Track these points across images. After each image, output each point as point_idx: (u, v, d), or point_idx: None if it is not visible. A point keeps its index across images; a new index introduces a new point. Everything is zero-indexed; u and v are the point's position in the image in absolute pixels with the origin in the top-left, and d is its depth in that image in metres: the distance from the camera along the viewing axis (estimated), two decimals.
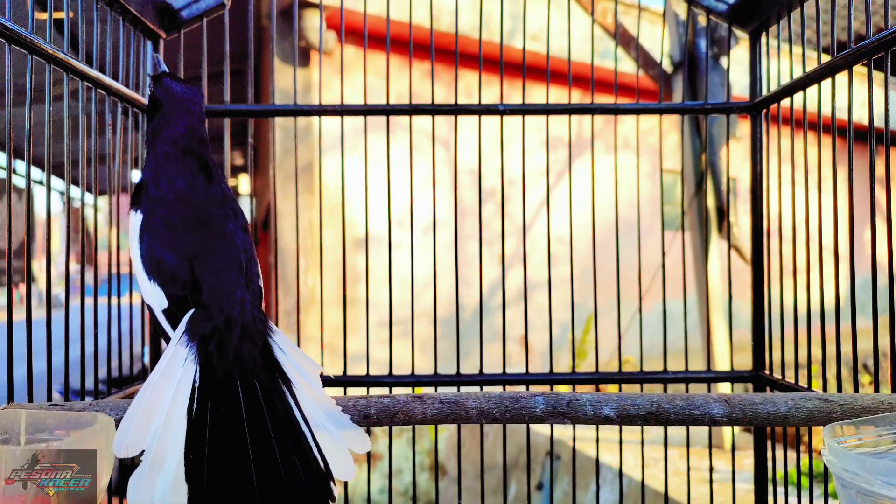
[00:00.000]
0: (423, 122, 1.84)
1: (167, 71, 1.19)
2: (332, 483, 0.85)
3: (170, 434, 0.84)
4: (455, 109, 1.76)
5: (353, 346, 1.74)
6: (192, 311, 0.97)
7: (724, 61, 4.11)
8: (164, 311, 1.01)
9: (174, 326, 0.99)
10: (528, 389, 1.68)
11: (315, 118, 1.84)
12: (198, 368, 0.89)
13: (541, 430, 4.08)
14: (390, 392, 1.30)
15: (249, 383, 0.88)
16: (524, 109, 1.75)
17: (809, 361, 1.48)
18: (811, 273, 1.46)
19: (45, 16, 1.19)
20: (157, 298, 1.02)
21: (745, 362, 1.86)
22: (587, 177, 1.76)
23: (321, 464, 0.85)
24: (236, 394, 0.87)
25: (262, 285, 1.13)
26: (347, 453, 0.89)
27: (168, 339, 1.00)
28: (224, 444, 0.83)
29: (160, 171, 1.10)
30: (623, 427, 1.72)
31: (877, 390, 1.24)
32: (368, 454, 1.62)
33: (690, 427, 1.30)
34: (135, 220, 1.09)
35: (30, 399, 1.08)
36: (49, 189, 1.17)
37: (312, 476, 0.84)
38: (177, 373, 0.90)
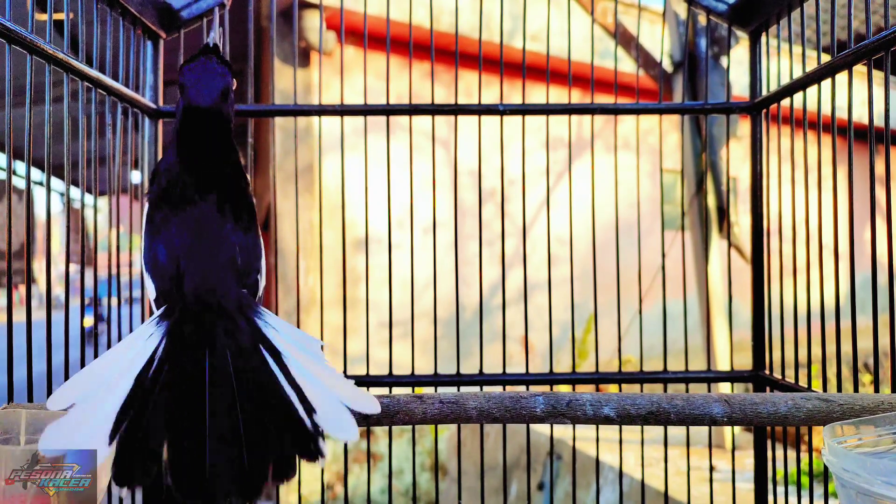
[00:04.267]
0: (423, 122, 1.84)
1: (210, 45, 1.14)
2: (320, 440, 0.78)
3: (110, 395, 0.77)
4: (455, 109, 1.76)
5: (354, 346, 1.74)
6: (171, 299, 0.95)
7: (724, 61, 4.10)
8: (154, 301, 1.02)
9: None
10: (528, 389, 1.68)
11: (315, 118, 1.84)
12: (163, 339, 0.84)
13: (541, 429, 4.08)
14: (390, 392, 1.30)
15: (220, 353, 0.82)
16: (524, 109, 1.75)
17: (809, 361, 1.48)
18: (811, 272, 1.46)
19: (45, 16, 1.19)
20: (150, 290, 1.03)
21: (745, 362, 1.86)
22: (587, 177, 1.76)
23: (306, 423, 0.78)
24: (201, 359, 0.80)
25: (264, 281, 1.11)
26: (348, 414, 0.81)
27: None
28: (174, 408, 0.76)
29: (170, 163, 1.10)
30: (623, 427, 1.72)
31: (877, 390, 1.24)
32: (368, 454, 1.63)
33: (690, 427, 1.30)
34: (146, 207, 1.09)
35: (30, 399, 1.08)
36: (49, 190, 1.17)
37: (291, 435, 0.77)
38: (137, 345, 0.85)
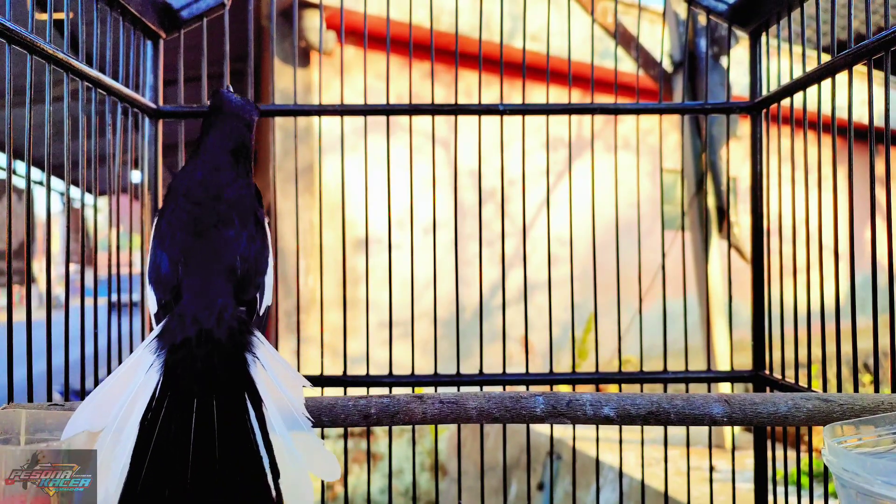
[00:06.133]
0: (423, 122, 1.84)
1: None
2: None
3: (119, 442, 0.82)
4: (455, 109, 1.76)
5: (354, 346, 1.74)
6: (168, 317, 0.96)
7: (724, 61, 4.10)
8: (155, 315, 1.01)
9: None
10: (528, 389, 1.68)
11: (315, 118, 1.84)
12: (160, 379, 0.87)
13: (541, 430, 4.08)
14: (390, 392, 1.30)
15: (207, 402, 0.85)
16: (524, 109, 1.75)
17: (809, 361, 1.48)
18: (811, 272, 1.46)
19: (45, 16, 1.19)
20: (151, 302, 1.02)
21: (745, 362, 1.86)
22: (587, 177, 1.76)
23: (272, 492, 0.82)
24: (190, 411, 0.83)
25: (270, 299, 1.10)
26: (309, 483, 0.85)
27: None
28: (164, 461, 0.80)
29: (184, 170, 1.10)
30: (623, 427, 1.72)
31: (877, 390, 1.24)
32: (368, 454, 1.63)
33: (690, 427, 1.30)
34: (156, 221, 1.11)
35: (30, 399, 1.08)
36: (49, 190, 1.17)
37: None
38: (138, 378, 0.88)
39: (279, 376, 0.92)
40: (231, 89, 1.31)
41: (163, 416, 0.83)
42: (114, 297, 1.47)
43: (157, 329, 0.95)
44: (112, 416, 0.84)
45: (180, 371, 0.88)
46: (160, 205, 1.63)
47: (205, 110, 1.27)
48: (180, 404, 0.84)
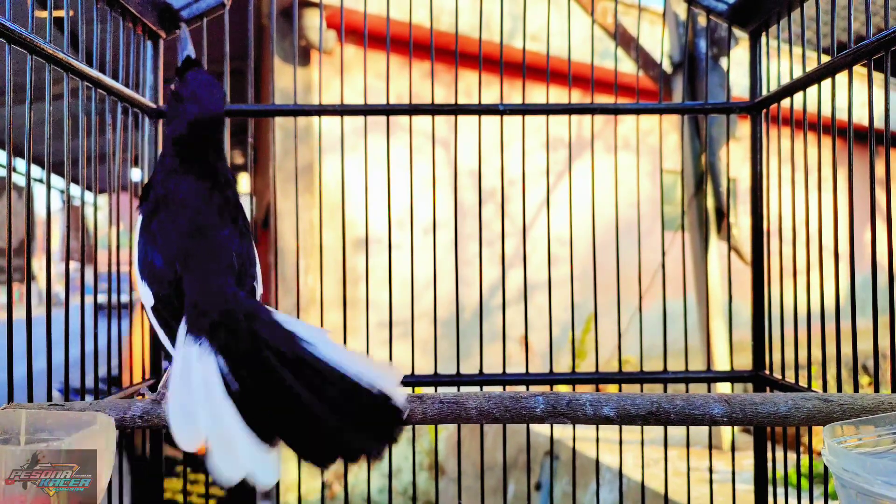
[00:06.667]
0: (423, 122, 1.84)
1: (192, 57, 1.18)
2: (393, 402, 0.85)
3: (223, 420, 0.83)
4: (455, 109, 1.76)
5: (354, 346, 1.74)
6: (185, 314, 0.96)
7: (723, 62, 4.10)
8: (152, 309, 1.02)
9: (161, 323, 1.02)
10: (528, 389, 1.68)
11: (315, 118, 1.84)
12: (217, 357, 0.88)
13: (540, 429, 4.08)
14: None
15: (276, 350, 0.87)
16: (524, 109, 1.75)
17: (809, 362, 1.48)
18: (811, 273, 1.46)
19: (45, 15, 1.19)
20: (146, 296, 1.04)
21: (745, 362, 1.86)
22: (587, 177, 1.76)
23: (377, 391, 0.86)
24: (267, 359, 0.86)
25: (261, 288, 1.13)
26: (395, 383, 0.88)
27: (159, 334, 1.03)
28: (282, 400, 0.83)
29: (168, 173, 1.11)
30: (623, 427, 1.72)
31: (877, 390, 1.24)
32: None
33: (690, 427, 1.30)
34: (138, 218, 1.12)
35: (30, 398, 1.08)
36: (49, 188, 1.17)
37: (378, 402, 0.85)
38: (196, 370, 0.88)
39: (307, 331, 0.94)
40: (190, 49, 1.19)
41: (249, 376, 0.85)
42: (113, 296, 1.47)
43: (182, 327, 0.95)
44: (199, 408, 0.84)
45: (233, 342, 0.89)
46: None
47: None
48: (256, 360, 0.86)
